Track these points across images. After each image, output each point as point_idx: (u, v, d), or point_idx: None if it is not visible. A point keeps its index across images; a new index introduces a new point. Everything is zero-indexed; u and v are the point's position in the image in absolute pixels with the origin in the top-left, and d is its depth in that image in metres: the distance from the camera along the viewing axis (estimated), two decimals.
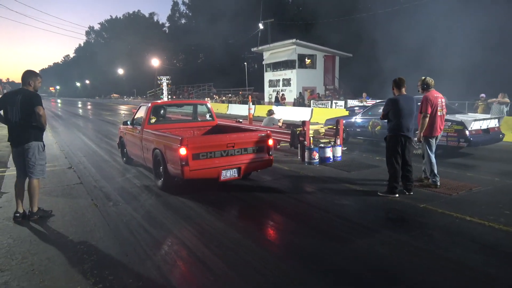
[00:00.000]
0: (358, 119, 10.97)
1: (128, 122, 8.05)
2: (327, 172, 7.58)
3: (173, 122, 8.10)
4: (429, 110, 5.90)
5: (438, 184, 6.09)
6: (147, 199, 5.86)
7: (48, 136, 14.51)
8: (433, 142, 6.13)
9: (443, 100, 6.18)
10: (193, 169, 5.63)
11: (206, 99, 40.71)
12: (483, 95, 14.66)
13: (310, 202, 5.69)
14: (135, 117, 7.91)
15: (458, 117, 8.76)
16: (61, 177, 7.45)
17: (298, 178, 7.23)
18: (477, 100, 14.96)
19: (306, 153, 8.33)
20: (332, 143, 8.74)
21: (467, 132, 8.24)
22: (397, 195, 5.69)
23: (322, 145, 8.51)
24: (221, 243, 4.08)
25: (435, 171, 6.11)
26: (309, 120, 20.50)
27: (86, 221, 4.87)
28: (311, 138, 8.58)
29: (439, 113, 6.04)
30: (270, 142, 6.40)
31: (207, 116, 8.22)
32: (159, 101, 8.52)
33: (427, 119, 5.91)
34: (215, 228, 4.56)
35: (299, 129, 8.66)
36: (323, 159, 8.37)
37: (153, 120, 7.46)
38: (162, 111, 7.89)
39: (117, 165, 8.54)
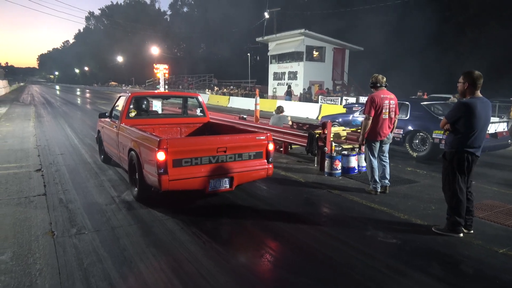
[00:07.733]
0: (356, 117, 9.91)
1: (106, 114, 6.80)
2: (353, 187, 6.10)
3: (157, 117, 6.96)
4: (372, 113, 5.40)
5: (379, 190, 5.65)
6: (124, 224, 4.38)
7: (29, 127, 13.00)
8: (376, 146, 5.64)
9: (393, 102, 5.55)
10: (173, 178, 4.45)
11: (206, 90, 39.10)
12: None
13: (330, 231, 4.26)
14: (114, 109, 6.62)
15: None
16: (23, 184, 5.96)
17: (316, 195, 5.75)
18: None
19: (326, 162, 6.85)
20: (357, 150, 7.25)
21: None
22: (461, 234, 4.20)
23: (346, 152, 7.02)
24: None
25: (376, 177, 5.66)
26: (317, 117, 19.03)
27: (29, 264, 3.39)
28: (332, 143, 7.08)
29: (383, 116, 5.47)
30: (271, 147, 5.20)
31: (198, 111, 7.07)
32: (141, 92, 7.27)
33: (370, 122, 5.44)
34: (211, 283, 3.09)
35: (318, 131, 7.17)
36: (347, 170, 6.90)
37: (132, 114, 6.21)
38: (144, 103, 6.62)
39: (96, 168, 7.04)
